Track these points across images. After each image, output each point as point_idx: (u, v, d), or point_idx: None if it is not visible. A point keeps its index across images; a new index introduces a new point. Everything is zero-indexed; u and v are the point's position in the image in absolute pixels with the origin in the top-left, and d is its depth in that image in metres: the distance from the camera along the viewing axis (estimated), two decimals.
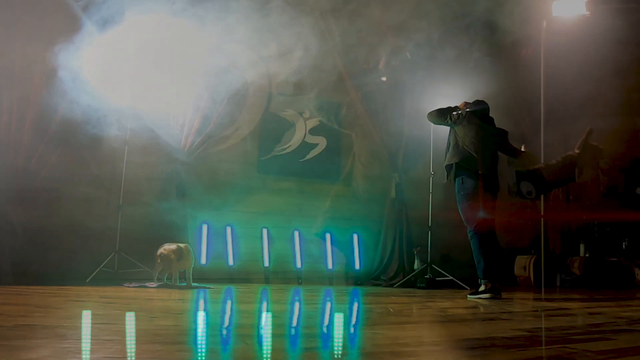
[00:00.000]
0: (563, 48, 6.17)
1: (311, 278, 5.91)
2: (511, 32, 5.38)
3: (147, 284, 4.26)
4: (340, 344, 1.77)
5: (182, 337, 1.80)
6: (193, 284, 4.33)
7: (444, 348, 1.68)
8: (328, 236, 6.07)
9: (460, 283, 5.54)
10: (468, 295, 4.14)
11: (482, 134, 4.28)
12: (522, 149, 4.63)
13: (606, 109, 6.96)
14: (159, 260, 4.14)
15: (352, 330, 2.19)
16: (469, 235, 4.19)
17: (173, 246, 4.15)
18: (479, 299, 3.95)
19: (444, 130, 6.12)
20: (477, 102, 4.50)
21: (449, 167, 4.32)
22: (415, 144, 6.41)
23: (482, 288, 4.03)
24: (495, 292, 3.97)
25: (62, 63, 4.53)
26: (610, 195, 7.63)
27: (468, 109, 4.38)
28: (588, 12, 5.82)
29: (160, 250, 4.13)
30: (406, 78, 6.25)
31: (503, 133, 4.52)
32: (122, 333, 1.77)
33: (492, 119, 4.50)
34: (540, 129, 6.10)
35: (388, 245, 6.33)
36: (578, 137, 4.71)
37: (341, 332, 2.14)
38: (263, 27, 5.16)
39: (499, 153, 4.47)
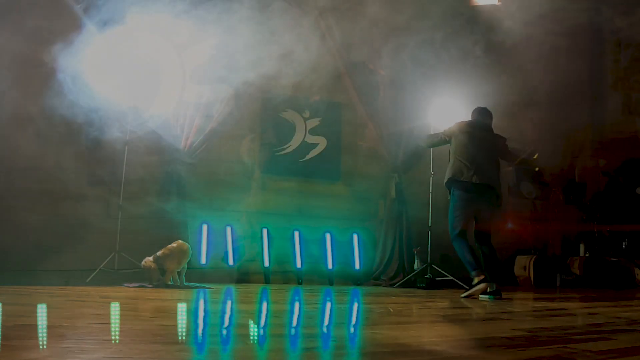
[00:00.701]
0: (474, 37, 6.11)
1: (311, 278, 5.91)
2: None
3: (147, 284, 4.27)
4: (340, 344, 1.77)
5: (182, 337, 1.80)
6: (185, 284, 4.44)
7: (444, 348, 1.68)
8: (328, 236, 6.07)
9: (460, 283, 5.53)
10: (461, 296, 4.11)
11: (475, 142, 4.23)
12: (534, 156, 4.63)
13: (525, 100, 6.96)
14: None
15: (352, 330, 2.20)
16: (451, 239, 4.20)
17: (151, 257, 4.24)
18: (475, 292, 3.97)
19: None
20: (474, 111, 4.46)
21: (447, 183, 4.30)
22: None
23: (475, 281, 4.03)
24: (495, 294, 3.97)
25: (63, 64, 4.53)
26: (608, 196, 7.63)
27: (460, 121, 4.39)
28: (499, 2, 5.80)
29: (142, 263, 4.26)
30: (406, 77, 6.25)
31: (500, 140, 4.44)
32: (122, 333, 1.78)
33: (488, 125, 4.42)
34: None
35: (388, 245, 6.33)
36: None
37: (341, 332, 2.14)
38: (263, 28, 5.17)
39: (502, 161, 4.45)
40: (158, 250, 4.27)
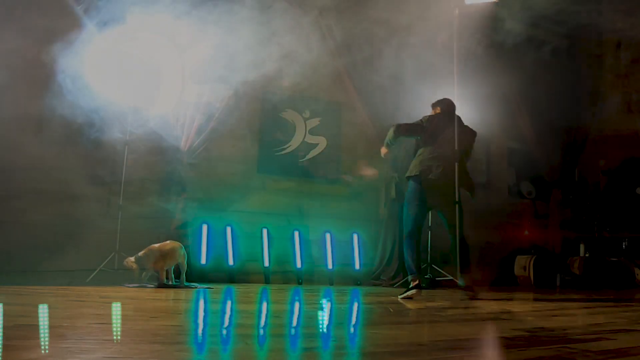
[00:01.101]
0: (476, 37, 6.07)
1: (311, 278, 5.91)
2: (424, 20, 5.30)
3: (146, 284, 4.27)
4: (340, 344, 1.77)
5: (182, 337, 1.80)
6: (185, 283, 4.42)
7: (443, 348, 1.68)
8: (328, 236, 6.07)
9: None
10: (399, 297, 3.93)
11: (445, 137, 4.03)
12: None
13: (525, 101, 6.92)
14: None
15: (352, 330, 2.20)
16: (404, 235, 4.08)
17: (133, 257, 4.21)
18: (410, 295, 3.86)
19: None
20: (442, 103, 4.25)
21: (411, 178, 4.10)
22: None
23: (410, 285, 3.94)
24: (467, 289, 3.93)
25: (64, 64, 4.54)
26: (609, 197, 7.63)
27: (428, 116, 4.17)
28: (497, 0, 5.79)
29: (124, 262, 4.24)
30: (407, 76, 6.25)
31: (469, 132, 4.20)
32: (122, 333, 1.77)
33: (458, 118, 4.21)
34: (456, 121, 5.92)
35: (388, 245, 6.33)
36: (493, 131, 4.57)
37: (341, 332, 2.14)
38: (263, 28, 5.17)
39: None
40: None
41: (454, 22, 4.77)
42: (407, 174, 4.15)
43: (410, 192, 4.08)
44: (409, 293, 3.89)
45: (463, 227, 4.09)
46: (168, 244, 4.36)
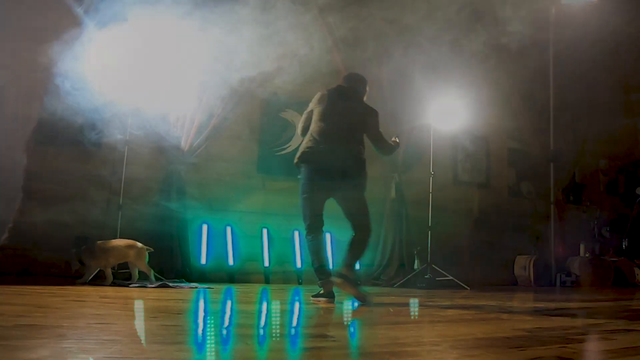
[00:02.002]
0: (573, 35, 6.05)
1: (311, 278, 5.90)
2: (519, 20, 5.22)
3: (147, 284, 4.27)
4: (340, 344, 1.76)
5: (182, 337, 1.80)
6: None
7: (444, 348, 1.68)
8: (328, 236, 6.06)
9: (460, 283, 5.54)
10: (311, 297, 3.51)
11: (335, 113, 3.50)
12: (395, 140, 3.94)
13: (616, 98, 6.92)
14: None
15: (352, 330, 2.20)
16: (305, 234, 3.56)
17: (74, 249, 4.18)
18: (320, 301, 3.40)
19: (444, 130, 6.14)
20: (343, 77, 3.79)
21: (296, 163, 3.57)
22: (415, 144, 6.42)
23: (322, 291, 3.46)
24: (329, 296, 3.43)
25: (64, 64, 4.53)
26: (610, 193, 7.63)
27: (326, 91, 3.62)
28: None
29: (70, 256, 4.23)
30: (408, 76, 6.24)
31: (370, 112, 3.65)
32: (122, 333, 1.77)
33: (357, 94, 3.68)
34: (550, 120, 5.92)
35: (388, 245, 6.33)
36: (587, 130, 4.54)
37: (341, 332, 2.14)
38: (263, 27, 5.17)
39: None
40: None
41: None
42: (295, 160, 3.55)
43: (301, 179, 3.51)
44: (317, 299, 3.42)
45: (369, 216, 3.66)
46: (116, 241, 4.27)
